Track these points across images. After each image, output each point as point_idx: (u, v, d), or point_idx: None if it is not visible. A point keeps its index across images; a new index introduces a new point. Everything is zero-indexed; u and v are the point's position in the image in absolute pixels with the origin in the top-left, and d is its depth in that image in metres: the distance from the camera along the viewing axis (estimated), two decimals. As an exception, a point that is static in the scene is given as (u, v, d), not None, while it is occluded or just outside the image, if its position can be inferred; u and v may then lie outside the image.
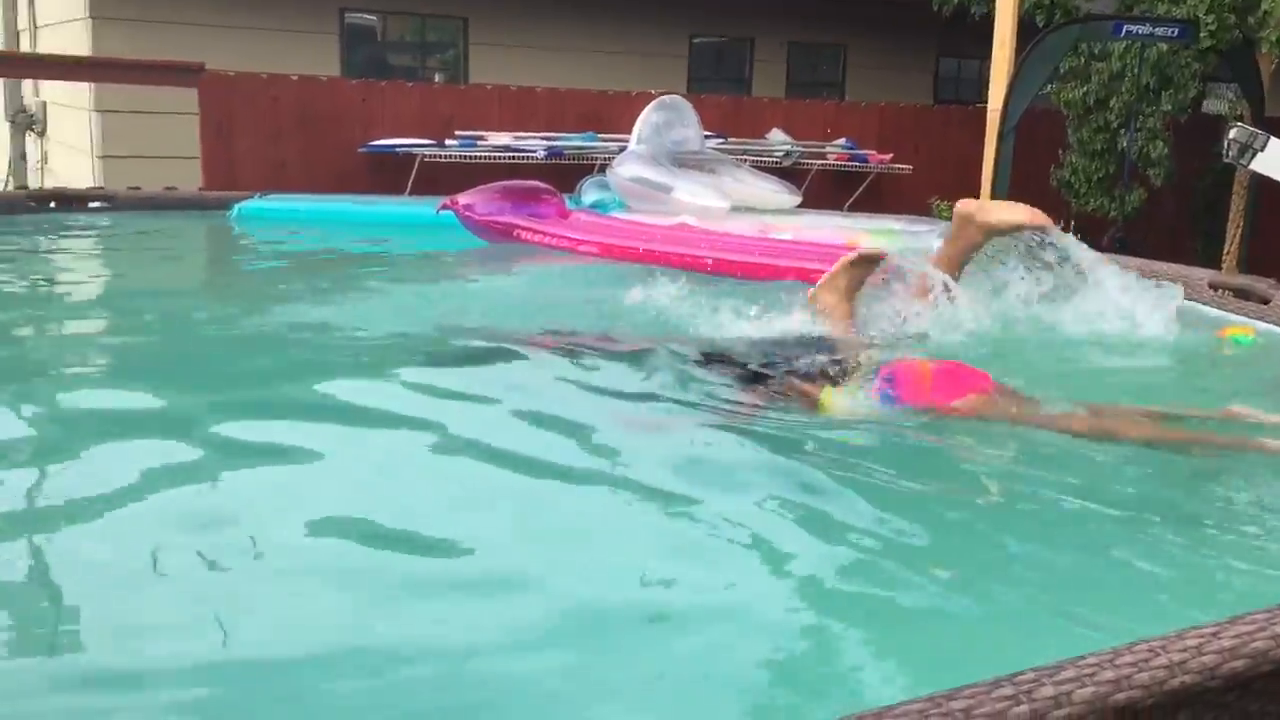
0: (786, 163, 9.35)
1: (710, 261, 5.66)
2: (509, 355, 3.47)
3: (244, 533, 2.21)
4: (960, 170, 9.05)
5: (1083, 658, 1.37)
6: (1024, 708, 1.29)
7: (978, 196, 7.32)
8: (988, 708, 1.28)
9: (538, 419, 2.87)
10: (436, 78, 11.29)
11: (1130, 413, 3.01)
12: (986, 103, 7.77)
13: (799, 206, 7.11)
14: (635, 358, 3.38)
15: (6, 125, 12.61)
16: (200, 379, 3.31)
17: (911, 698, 1.26)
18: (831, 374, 3.06)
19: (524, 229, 6.10)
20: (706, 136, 7.77)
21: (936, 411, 2.95)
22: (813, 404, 2.98)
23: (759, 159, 8.94)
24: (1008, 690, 1.30)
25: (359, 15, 11.03)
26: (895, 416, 2.91)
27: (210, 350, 3.75)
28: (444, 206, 5.99)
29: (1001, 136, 7.21)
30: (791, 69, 13.03)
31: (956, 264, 3.79)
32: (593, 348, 3.50)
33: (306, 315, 4.16)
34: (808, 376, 3.07)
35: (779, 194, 7.20)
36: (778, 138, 9.50)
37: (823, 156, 9.55)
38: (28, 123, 11.05)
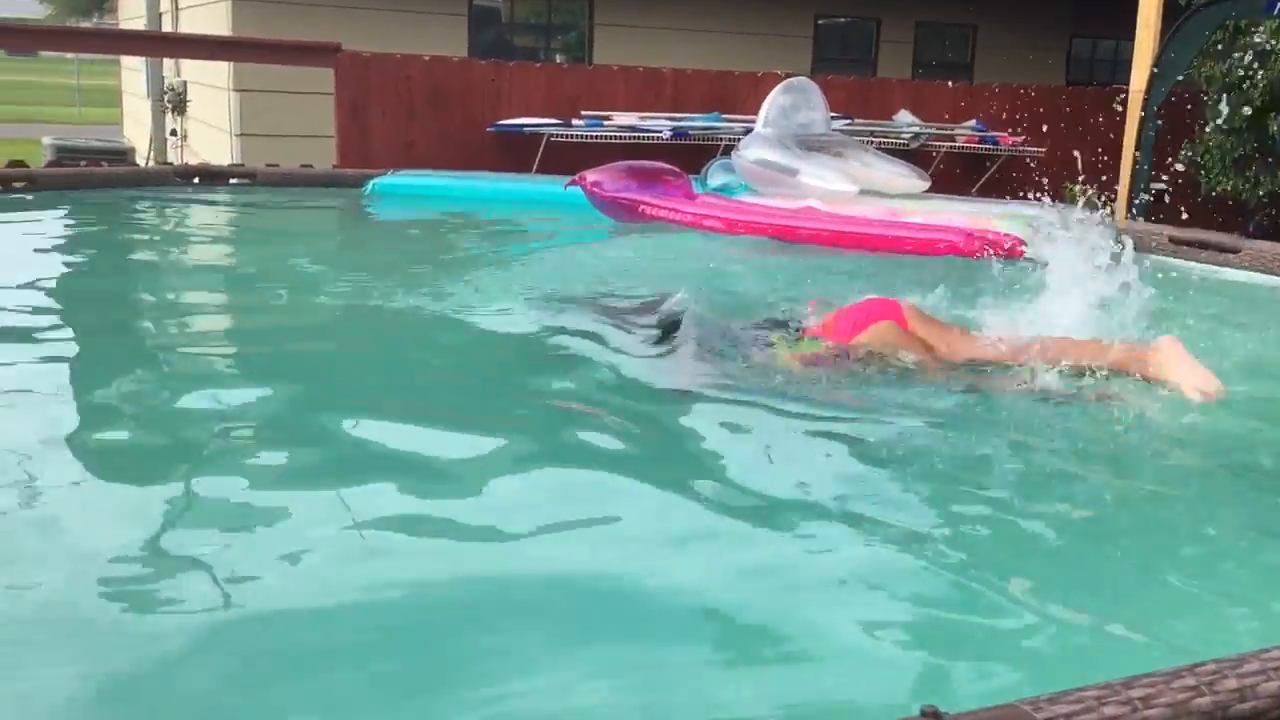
0: (914, 145, 9.19)
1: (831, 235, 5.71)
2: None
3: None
4: (1096, 154, 8.77)
5: (1266, 650, 1.33)
6: (1206, 699, 1.25)
7: (1116, 180, 7.09)
8: (1167, 698, 1.25)
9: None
10: (558, 58, 11.38)
11: (1050, 341, 3.12)
12: (1124, 84, 7.52)
13: (927, 191, 6.98)
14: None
15: (150, 104, 13.11)
16: (330, 353, 3.42)
17: (1087, 684, 1.24)
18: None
19: (650, 204, 6.14)
20: (833, 118, 7.68)
21: (843, 347, 3.15)
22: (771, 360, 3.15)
23: (885, 140, 8.80)
24: (1189, 681, 1.27)
25: (486, -4, 11.17)
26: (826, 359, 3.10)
27: (342, 322, 3.84)
28: (572, 182, 6.05)
29: (1144, 119, 6.96)
30: (919, 49, 12.80)
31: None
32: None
33: (433, 287, 4.26)
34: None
35: (907, 178, 7.06)
36: (905, 119, 9.33)
37: (951, 139, 9.35)
38: (171, 101, 11.45)
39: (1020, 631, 1.85)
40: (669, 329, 3.32)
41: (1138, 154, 7.06)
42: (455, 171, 7.28)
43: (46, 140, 13.32)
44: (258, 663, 1.67)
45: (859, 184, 6.61)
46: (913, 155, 8.51)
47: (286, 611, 1.81)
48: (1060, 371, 3.01)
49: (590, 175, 6.20)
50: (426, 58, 8.18)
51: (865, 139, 8.07)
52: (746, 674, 1.70)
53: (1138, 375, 3.03)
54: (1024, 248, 5.15)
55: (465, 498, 2.30)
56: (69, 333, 3.53)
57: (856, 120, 8.90)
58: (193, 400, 2.88)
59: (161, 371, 3.23)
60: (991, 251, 5.01)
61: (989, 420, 2.85)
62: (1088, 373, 3.03)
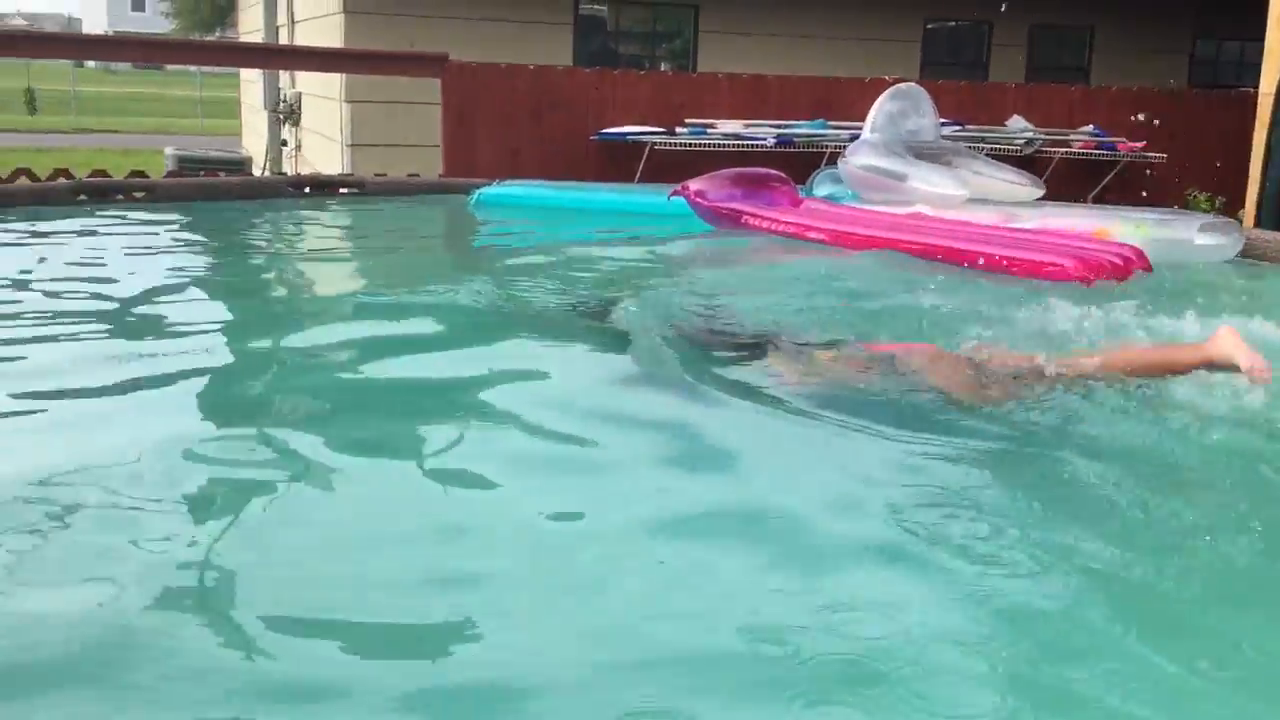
0: (1027, 151, 8.95)
1: (943, 251, 5.48)
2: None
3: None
4: (1220, 159, 8.45)
5: None
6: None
7: (1244, 186, 6.80)
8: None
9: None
10: (663, 66, 11.37)
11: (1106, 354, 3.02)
12: (1251, 86, 7.21)
13: (1041, 198, 6.77)
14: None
15: (266, 115, 13.47)
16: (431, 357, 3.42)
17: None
18: None
19: (752, 215, 6.07)
20: (942, 124, 7.51)
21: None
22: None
23: (998, 147, 8.59)
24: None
25: (592, 6, 11.22)
26: None
27: (444, 326, 3.84)
28: (675, 193, 6.03)
29: (1273, 123, 6.66)
30: (1032, 53, 12.48)
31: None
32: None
33: (531, 297, 4.25)
34: None
35: (1020, 185, 6.85)
36: (1018, 124, 9.10)
37: (1067, 144, 9.09)
38: (284, 113, 11.74)
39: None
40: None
41: (1267, 159, 6.76)
42: (559, 181, 7.30)
43: (169, 150, 13.81)
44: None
45: (970, 190, 6.45)
46: (1026, 162, 8.28)
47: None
48: (1125, 382, 2.88)
49: (694, 184, 6.16)
50: (532, 67, 8.23)
51: (976, 146, 7.88)
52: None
53: (1198, 367, 2.91)
54: (1142, 264, 4.93)
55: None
56: (190, 333, 3.61)
57: (967, 126, 8.71)
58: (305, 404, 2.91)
59: (273, 376, 3.28)
60: (1111, 276, 4.77)
61: (1073, 439, 2.71)
62: (1148, 380, 2.90)
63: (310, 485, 2.39)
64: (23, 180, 6.30)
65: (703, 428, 2.77)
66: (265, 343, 3.67)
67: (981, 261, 5.03)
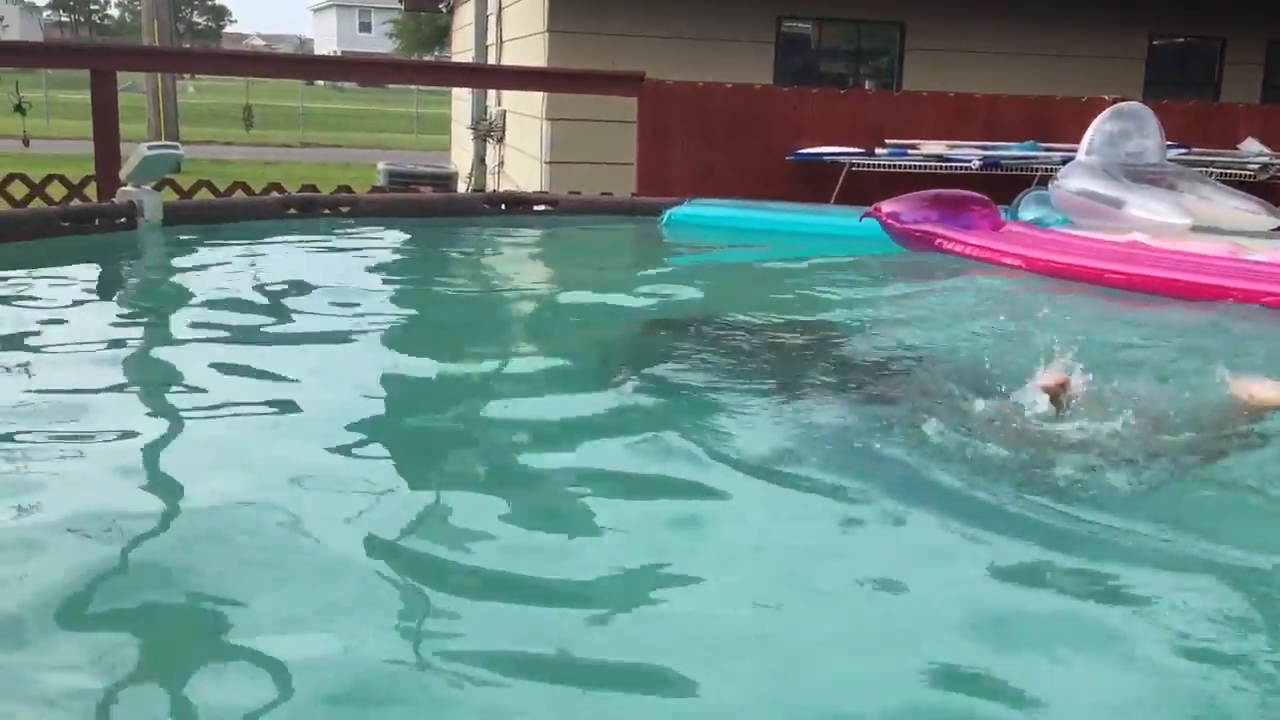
0: (1262, 177, 8.27)
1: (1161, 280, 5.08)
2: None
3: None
4: None
5: None
6: None
7: None
8: None
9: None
10: (867, 84, 11.07)
11: None
12: None
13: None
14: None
15: (470, 132, 13.86)
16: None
17: None
18: None
19: (946, 238, 5.81)
20: (1168, 147, 7.02)
21: None
22: None
23: (1228, 172, 7.97)
24: None
25: (795, 23, 11.04)
26: None
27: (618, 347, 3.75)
28: (868, 214, 5.84)
29: None
30: (1270, 72, 11.59)
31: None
32: None
33: (712, 322, 4.11)
34: None
35: (1254, 213, 6.31)
36: (1252, 148, 8.43)
37: (1307, 170, 8.37)
38: (488, 130, 12.03)
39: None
40: None
41: None
42: (752, 201, 7.15)
43: (381, 165, 14.32)
44: None
45: (1196, 219, 5.98)
46: (1262, 189, 7.64)
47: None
48: None
49: (886, 206, 5.93)
50: (728, 85, 8.13)
51: (1205, 170, 7.33)
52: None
53: None
54: None
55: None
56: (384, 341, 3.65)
57: (1195, 149, 8.12)
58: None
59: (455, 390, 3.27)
60: None
61: None
62: None
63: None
64: (239, 194, 6.61)
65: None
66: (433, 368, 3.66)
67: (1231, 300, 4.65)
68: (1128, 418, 2.68)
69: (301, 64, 15.96)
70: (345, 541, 2.12)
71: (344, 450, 2.62)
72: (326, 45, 70.70)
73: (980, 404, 2.84)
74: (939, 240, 5.82)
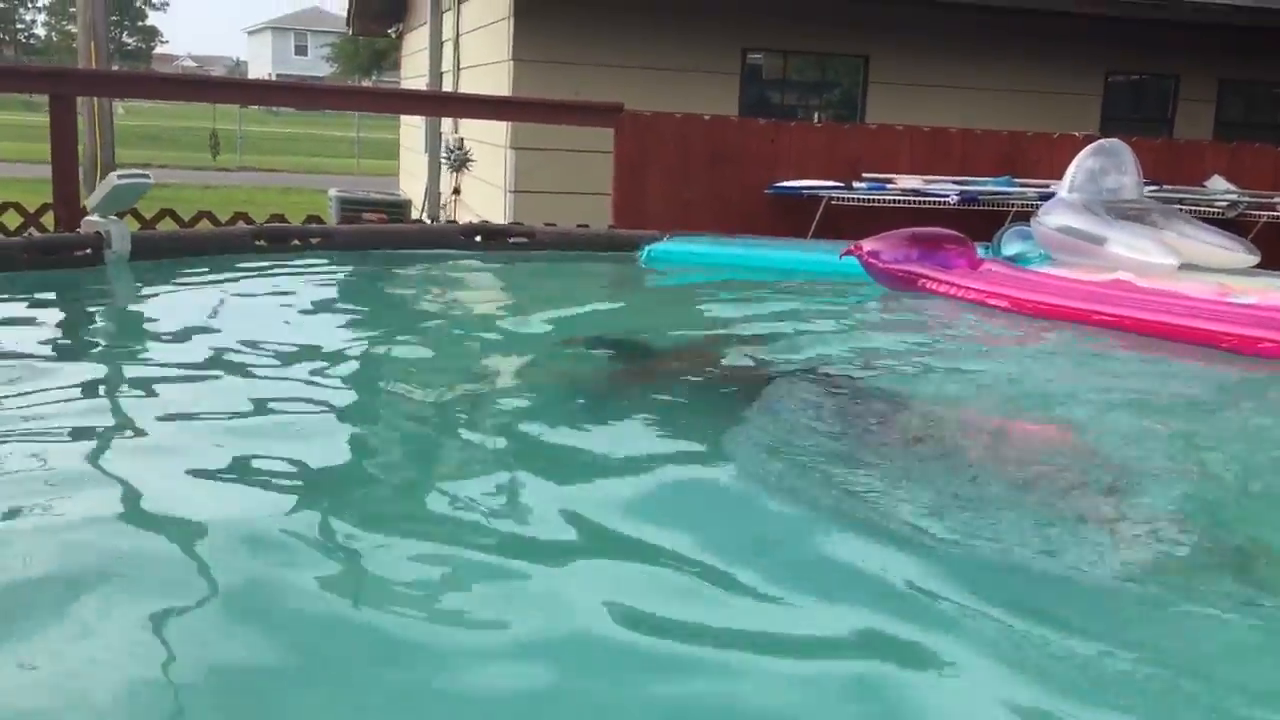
0: (1231, 214, 8.35)
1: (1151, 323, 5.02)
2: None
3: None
4: None
5: None
6: None
7: None
8: None
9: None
10: (817, 116, 11.04)
11: None
12: None
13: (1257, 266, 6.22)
14: None
15: (424, 158, 13.63)
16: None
17: None
18: None
19: (929, 279, 5.74)
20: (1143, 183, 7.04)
21: None
22: None
23: (1197, 209, 8.03)
24: None
25: (759, 55, 11.02)
26: None
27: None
28: (848, 252, 5.76)
29: None
30: (1223, 108, 11.80)
31: None
32: None
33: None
34: None
35: (1233, 251, 6.31)
36: (1219, 185, 8.51)
37: (1274, 208, 8.46)
38: (455, 160, 11.81)
39: None
40: None
41: None
42: (731, 237, 7.03)
43: (332, 192, 14.05)
44: None
45: (1179, 256, 5.96)
46: (1229, 225, 7.70)
47: None
48: None
49: (867, 244, 5.86)
50: (706, 117, 8.02)
51: (1175, 207, 7.35)
52: None
53: None
54: None
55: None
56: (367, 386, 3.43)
57: (1165, 186, 8.17)
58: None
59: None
60: None
61: None
62: None
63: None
64: (205, 223, 6.34)
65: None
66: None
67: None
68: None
69: (280, 91, 15.56)
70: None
71: (311, 497, 2.43)
72: (261, 68, 69.87)
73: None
74: (922, 280, 5.75)
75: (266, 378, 3.50)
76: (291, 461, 2.71)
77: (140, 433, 2.92)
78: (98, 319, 4.58)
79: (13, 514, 2.27)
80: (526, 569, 2.16)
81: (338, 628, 1.90)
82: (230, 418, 3.03)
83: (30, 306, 4.42)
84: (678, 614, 1.97)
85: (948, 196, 7.94)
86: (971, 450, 2.89)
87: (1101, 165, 6.52)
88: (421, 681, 1.75)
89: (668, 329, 4.79)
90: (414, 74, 16.74)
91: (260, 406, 3.15)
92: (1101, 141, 6.68)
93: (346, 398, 3.43)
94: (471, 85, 12.15)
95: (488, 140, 10.94)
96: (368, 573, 2.13)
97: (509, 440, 3.00)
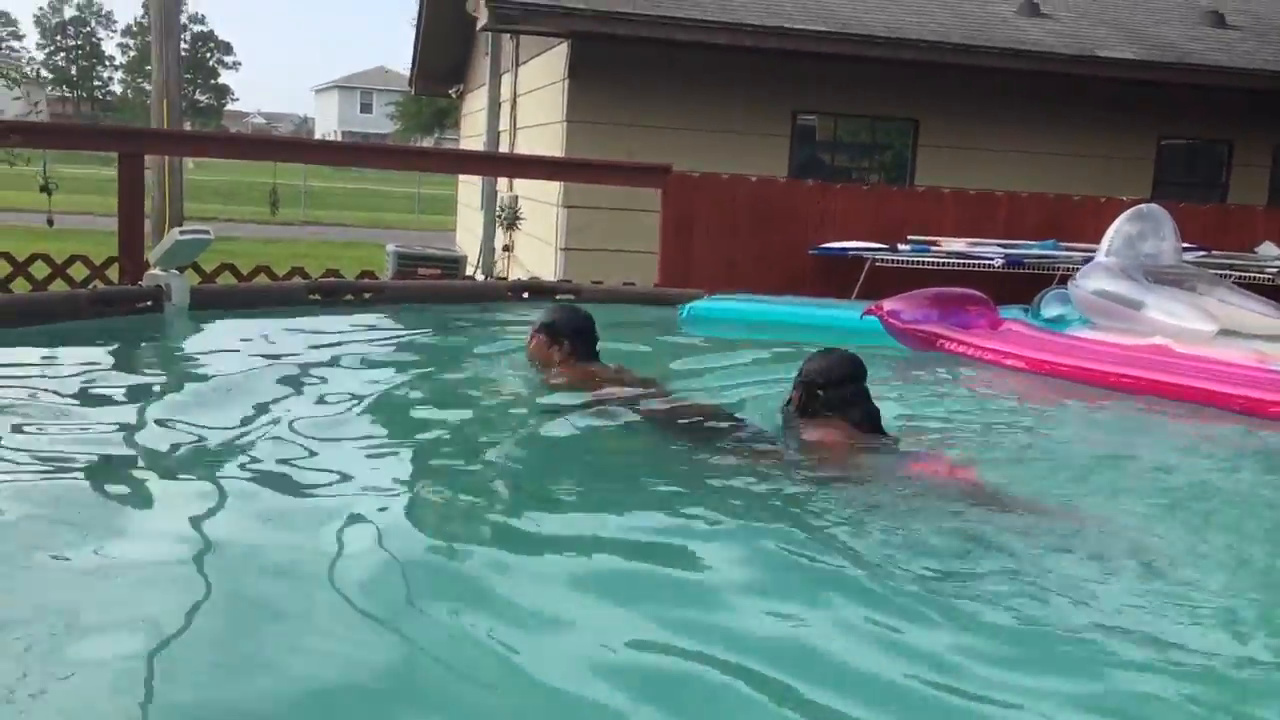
0: (1280, 280, 8.31)
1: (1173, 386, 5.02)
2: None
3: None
4: None
5: None
6: None
7: None
8: None
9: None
10: (871, 178, 11.15)
11: None
12: None
13: (1302, 333, 6.18)
14: None
15: (480, 214, 13.91)
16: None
17: None
18: None
19: (948, 339, 5.78)
20: (1185, 248, 7.04)
21: None
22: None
23: (1246, 276, 7.99)
24: None
25: (810, 117, 11.17)
26: None
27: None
28: (869, 312, 5.81)
29: None
30: (1278, 174, 11.73)
31: None
32: None
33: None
34: None
35: (1274, 318, 6.30)
36: (1270, 251, 8.47)
37: (1325, 275, 8.40)
38: (513, 217, 12.07)
39: None
40: None
41: None
42: (772, 296, 7.12)
43: (390, 247, 14.31)
44: None
45: (1217, 322, 5.95)
46: (1277, 293, 7.67)
47: None
48: None
49: (887, 304, 5.92)
50: (753, 178, 8.16)
51: (1222, 273, 7.35)
52: None
53: None
54: None
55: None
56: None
57: (1213, 252, 8.15)
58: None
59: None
60: None
61: None
62: None
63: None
64: (262, 277, 6.56)
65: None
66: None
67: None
68: None
69: (338, 151, 16.06)
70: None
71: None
72: (327, 125, 71.52)
73: None
74: (941, 341, 5.79)
75: (303, 422, 3.64)
76: (319, 486, 2.86)
77: (185, 472, 3.07)
78: (152, 367, 4.76)
79: (64, 547, 2.42)
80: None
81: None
82: (263, 461, 3.16)
83: (90, 352, 4.61)
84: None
85: (993, 260, 7.98)
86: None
87: (1140, 230, 6.54)
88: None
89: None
90: (473, 133, 17.13)
91: (293, 450, 3.29)
92: (1140, 206, 6.71)
93: (384, 442, 3.56)
94: (527, 144, 12.43)
95: (540, 198, 11.18)
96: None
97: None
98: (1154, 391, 4.98)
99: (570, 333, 4.26)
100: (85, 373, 4.26)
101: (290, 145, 16.45)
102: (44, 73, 67.44)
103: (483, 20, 10.09)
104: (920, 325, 5.81)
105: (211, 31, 72.36)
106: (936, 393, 4.90)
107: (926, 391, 4.89)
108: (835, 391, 3.51)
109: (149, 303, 5.25)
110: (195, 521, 2.65)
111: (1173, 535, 2.92)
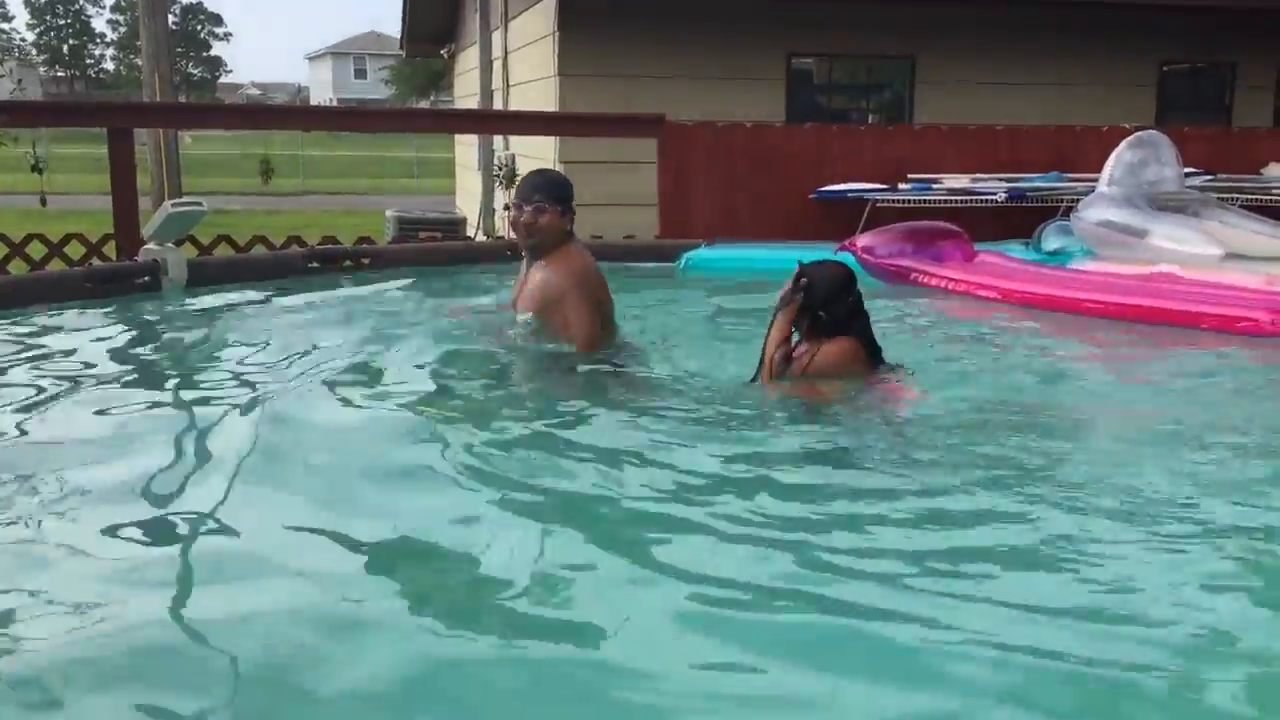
0: (1289, 202, 8.21)
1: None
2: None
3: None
4: None
5: None
6: None
7: None
8: None
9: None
10: (869, 119, 11.02)
11: None
12: None
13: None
14: None
15: (478, 175, 13.82)
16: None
17: None
18: None
19: (922, 273, 5.75)
20: (1188, 174, 6.96)
21: None
22: None
23: (1254, 198, 7.90)
24: None
25: (804, 60, 11.02)
26: None
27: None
28: (843, 248, 5.78)
29: None
30: (1282, 94, 11.57)
31: None
32: None
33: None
34: None
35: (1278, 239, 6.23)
36: (1276, 173, 8.36)
37: (1333, 193, 8.29)
38: (511, 175, 11.97)
39: None
40: None
41: None
42: (769, 242, 7.05)
43: (389, 213, 14.30)
44: None
45: (1224, 247, 5.89)
46: (1286, 214, 7.58)
47: None
48: None
49: (861, 240, 5.91)
50: (749, 124, 8.07)
51: (1228, 197, 7.26)
52: None
53: None
54: None
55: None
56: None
57: (1219, 176, 8.05)
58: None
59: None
60: None
61: None
62: None
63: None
64: (259, 247, 6.52)
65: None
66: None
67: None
68: None
69: (325, 115, 15.96)
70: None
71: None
72: (322, 93, 71.03)
73: None
74: (914, 275, 5.77)
75: (300, 395, 3.61)
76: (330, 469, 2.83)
77: (179, 452, 3.05)
78: (145, 345, 4.70)
79: (60, 529, 2.41)
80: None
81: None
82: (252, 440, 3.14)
83: (85, 332, 4.57)
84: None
85: (995, 194, 7.90)
86: None
87: (1141, 157, 6.47)
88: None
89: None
90: (466, 93, 16.97)
91: (281, 423, 3.26)
92: (1140, 133, 6.62)
93: (388, 411, 3.52)
94: (521, 101, 12.31)
95: (537, 155, 11.07)
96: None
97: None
98: (1133, 316, 5.00)
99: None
100: (84, 350, 4.24)
101: (285, 112, 16.34)
102: (34, 53, 67.05)
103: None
104: (895, 260, 5.79)
105: (200, 3, 71.62)
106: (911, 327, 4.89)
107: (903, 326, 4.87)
108: (839, 305, 3.42)
109: (146, 278, 5.22)
110: (195, 502, 2.63)
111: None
